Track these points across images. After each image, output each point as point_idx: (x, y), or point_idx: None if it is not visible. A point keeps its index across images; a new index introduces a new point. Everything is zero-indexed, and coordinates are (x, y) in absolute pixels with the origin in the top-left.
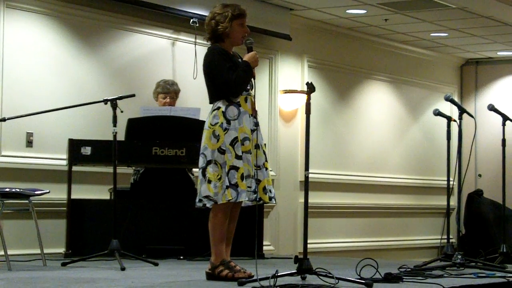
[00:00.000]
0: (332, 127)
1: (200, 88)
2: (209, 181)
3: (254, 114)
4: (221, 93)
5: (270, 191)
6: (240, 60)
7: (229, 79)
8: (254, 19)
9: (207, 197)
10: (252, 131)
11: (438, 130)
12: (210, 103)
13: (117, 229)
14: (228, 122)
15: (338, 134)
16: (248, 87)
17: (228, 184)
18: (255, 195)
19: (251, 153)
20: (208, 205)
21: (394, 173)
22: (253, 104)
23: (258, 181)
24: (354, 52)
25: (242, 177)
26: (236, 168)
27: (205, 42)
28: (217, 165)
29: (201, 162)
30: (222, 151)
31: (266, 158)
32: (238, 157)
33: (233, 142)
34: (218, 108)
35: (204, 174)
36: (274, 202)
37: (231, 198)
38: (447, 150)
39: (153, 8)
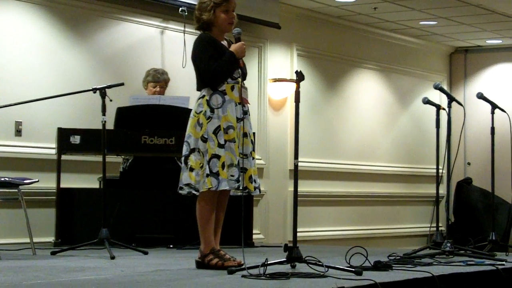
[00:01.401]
0: (321, 116)
1: (189, 77)
2: (191, 169)
3: (242, 102)
4: (205, 81)
5: (255, 181)
6: None
7: (208, 68)
8: (243, 7)
9: (188, 185)
10: (240, 119)
11: (427, 118)
12: (197, 90)
13: (106, 218)
14: (212, 110)
15: (327, 123)
16: (237, 76)
17: (208, 172)
18: (238, 183)
19: (234, 142)
20: (185, 192)
21: (383, 161)
22: (241, 93)
23: (244, 170)
24: (343, 40)
25: (223, 166)
26: (218, 157)
27: (194, 31)
28: (200, 154)
29: (185, 150)
30: (204, 140)
31: (253, 147)
32: (221, 146)
33: (216, 131)
34: (203, 96)
35: (186, 162)
36: (259, 192)
37: (211, 186)
38: (436, 138)
39: None
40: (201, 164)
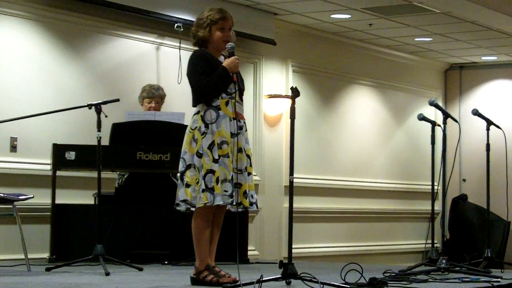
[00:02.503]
0: (316, 132)
1: (184, 92)
2: (188, 185)
3: (237, 117)
4: (198, 97)
5: (252, 196)
6: None
7: (200, 83)
8: (238, 23)
9: (184, 201)
10: (234, 134)
11: (423, 134)
12: (193, 106)
13: (101, 234)
14: (206, 125)
15: (322, 139)
16: (233, 91)
17: (204, 187)
18: (231, 199)
19: (228, 157)
20: (182, 208)
21: (378, 177)
22: (236, 108)
23: (238, 185)
24: (338, 56)
25: (217, 181)
26: (213, 172)
27: (190, 47)
28: (196, 169)
29: (181, 166)
30: (199, 155)
31: (250, 163)
32: (215, 161)
33: (210, 146)
34: (198, 112)
35: (182, 178)
36: (256, 208)
37: (206, 201)
38: (431, 155)
39: (138, 12)
40: (197, 180)
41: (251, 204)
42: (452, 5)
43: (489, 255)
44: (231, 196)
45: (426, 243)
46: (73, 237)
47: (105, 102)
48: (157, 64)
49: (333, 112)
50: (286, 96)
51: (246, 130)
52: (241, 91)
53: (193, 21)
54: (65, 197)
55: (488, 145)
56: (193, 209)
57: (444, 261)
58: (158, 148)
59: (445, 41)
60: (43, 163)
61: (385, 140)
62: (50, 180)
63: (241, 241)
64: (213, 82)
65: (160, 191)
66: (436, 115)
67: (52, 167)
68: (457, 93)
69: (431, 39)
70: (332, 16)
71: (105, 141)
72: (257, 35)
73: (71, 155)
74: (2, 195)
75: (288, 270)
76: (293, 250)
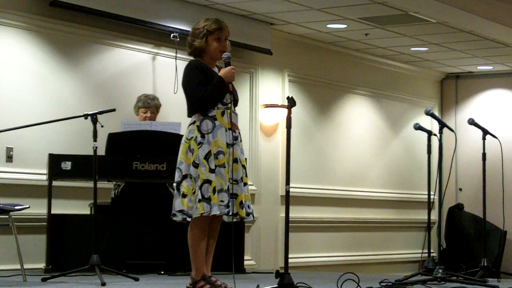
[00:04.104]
0: (313, 142)
1: (180, 102)
2: (184, 196)
3: (232, 128)
4: (194, 107)
5: (248, 206)
6: None
7: (196, 94)
8: (234, 33)
9: (181, 211)
10: (230, 145)
11: (419, 144)
12: (188, 116)
13: (97, 244)
14: (203, 136)
15: (319, 148)
16: (228, 101)
17: (200, 197)
18: (228, 209)
19: (225, 167)
20: (179, 219)
21: (375, 187)
22: (231, 118)
23: (234, 196)
24: (334, 66)
25: (214, 191)
26: (209, 182)
27: (186, 57)
28: (192, 179)
29: (177, 176)
30: (196, 165)
31: (245, 173)
32: (211, 171)
33: (207, 156)
34: (194, 122)
35: (178, 189)
36: (252, 218)
37: (203, 211)
38: (427, 164)
39: (134, 22)
40: (193, 190)
41: (247, 214)
42: (448, 15)
43: (485, 264)
44: (227, 206)
45: (422, 253)
46: (69, 247)
47: (101, 112)
48: (153, 74)
49: (329, 122)
50: (282, 106)
51: (241, 141)
52: (235, 101)
53: (189, 31)
54: (61, 207)
55: (484, 155)
56: (189, 219)
57: (440, 271)
58: (154, 158)
59: (441, 51)
60: (39, 173)
61: (381, 150)
62: (46, 190)
63: (237, 251)
64: (210, 92)
65: (156, 201)
66: (432, 124)
67: (48, 177)
68: (453, 103)
69: (427, 48)
70: (328, 26)
71: (101, 151)
72: (253, 45)
73: (67, 165)
74: None
75: (284, 280)
76: (290, 260)
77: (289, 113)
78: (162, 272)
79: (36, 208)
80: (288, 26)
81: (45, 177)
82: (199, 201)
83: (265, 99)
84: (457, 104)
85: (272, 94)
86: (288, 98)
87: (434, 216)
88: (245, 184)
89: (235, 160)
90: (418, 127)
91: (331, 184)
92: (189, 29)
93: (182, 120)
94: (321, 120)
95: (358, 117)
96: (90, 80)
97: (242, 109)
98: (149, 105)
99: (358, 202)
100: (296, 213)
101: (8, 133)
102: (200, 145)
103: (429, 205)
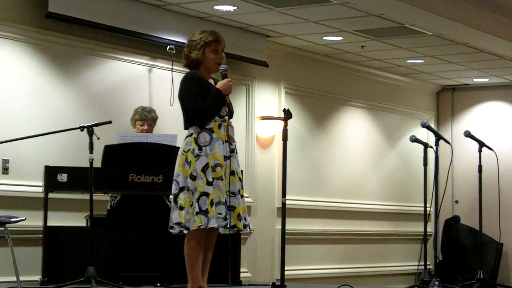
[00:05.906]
0: (309, 154)
1: (177, 114)
2: (181, 208)
3: (229, 140)
4: (192, 119)
5: (245, 218)
6: None
7: (195, 106)
8: (231, 45)
9: (178, 223)
10: (227, 157)
11: (415, 156)
12: (185, 129)
13: (93, 256)
14: (200, 148)
15: (315, 161)
16: (225, 114)
17: (198, 210)
18: (225, 221)
19: (222, 180)
20: (176, 231)
21: (371, 199)
22: (228, 131)
23: (232, 208)
24: (331, 78)
25: (212, 203)
26: (206, 194)
27: (182, 69)
28: (189, 192)
29: (174, 188)
30: (193, 177)
31: (242, 185)
32: (209, 183)
33: (204, 168)
34: (191, 134)
35: (176, 201)
36: (248, 230)
37: (201, 224)
38: (423, 176)
39: (130, 35)
40: (191, 203)
41: (244, 226)
42: (444, 28)
43: (481, 276)
44: (225, 218)
45: (418, 265)
46: (65, 259)
47: (97, 124)
48: (149, 86)
49: (325, 134)
50: (279, 118)
51: (237, 153)
52: (231, 113)
53: (185, 43)
54: (57, 219)
55: (480, 167)
56: (186, 231)
57: (437, 283)
58: (151, 170)
59: (437, 63)
60: (35, 185)
61: (377, 162)
62: (42, 202)
63: (234, 263)
64: (209, 104)
65: (153, 213)
66: (428, 136)
67: (44, 189)
68: (449, 115)
69: (423, 61)
70: (324, 38)
71: (97, 163)
72: (250, 57)
73: (63, 177)
74: None
75: None
76: (286, 272)
77: (285, 125)
78: (159, 285)
79: (32, 220)
80: (284, 38)
81: (41, 189)
82: (197, 213)
83: (261, 111)
84: (453, 117)
85: (269, 106)
86: (284, 110)
87: (430, 228)
88: (242, 196)
89: (232, 173)
90: (414, 139)
91: (327, 196)
92: (185, 41)
93: (178, 132)
94: (317, 132)
95: (354, 129)
96: (86, 92)
97: (238, 121)
98: (146, 117)
99: (355, 214)
100: (293, 225)
101: (4, 145)
102: (197, 158)
103: (425, 217)
